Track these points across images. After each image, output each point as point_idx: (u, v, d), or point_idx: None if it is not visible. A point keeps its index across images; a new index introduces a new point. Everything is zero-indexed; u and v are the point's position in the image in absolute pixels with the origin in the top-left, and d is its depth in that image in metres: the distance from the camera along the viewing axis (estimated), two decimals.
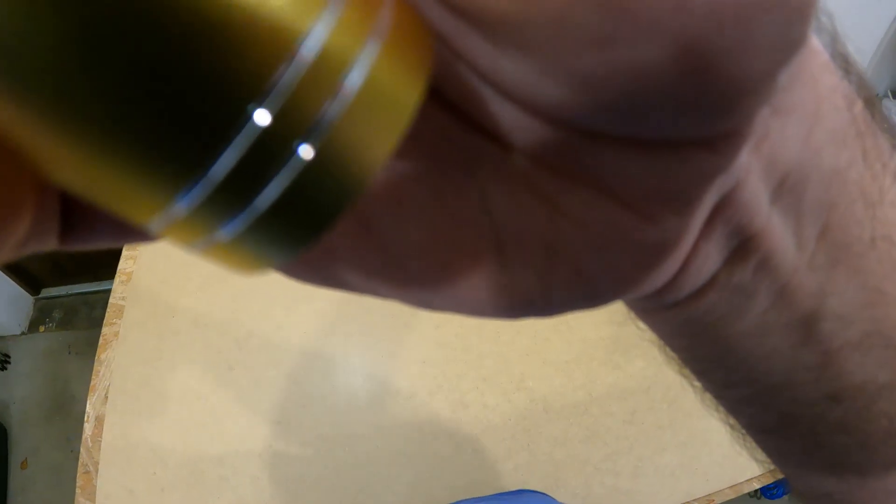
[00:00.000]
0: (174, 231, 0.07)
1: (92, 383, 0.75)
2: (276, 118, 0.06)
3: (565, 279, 0.10)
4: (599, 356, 0.72)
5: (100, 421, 0.72)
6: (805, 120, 0.10)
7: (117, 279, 0.83)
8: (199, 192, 0.06)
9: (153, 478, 0.67)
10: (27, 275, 1.89)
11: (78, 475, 0.70)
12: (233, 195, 0.06)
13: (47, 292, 1.94)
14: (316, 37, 0.06)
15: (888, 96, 1.45)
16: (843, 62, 0.11)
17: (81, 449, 0.71)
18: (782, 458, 0.16)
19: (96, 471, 0.69)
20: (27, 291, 1.90)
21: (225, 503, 0.64)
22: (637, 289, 0.11)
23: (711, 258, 0.11)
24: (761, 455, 0.17)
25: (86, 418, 0.73)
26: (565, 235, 0.10)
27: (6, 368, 1.79)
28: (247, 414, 0.69)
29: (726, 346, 0.13)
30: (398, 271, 0.10)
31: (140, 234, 0.10)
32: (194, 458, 0.67)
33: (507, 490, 0.65)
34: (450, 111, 0.10)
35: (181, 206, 0.07)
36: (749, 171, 0.10)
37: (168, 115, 0.06)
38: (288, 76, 0.06)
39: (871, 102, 0.12)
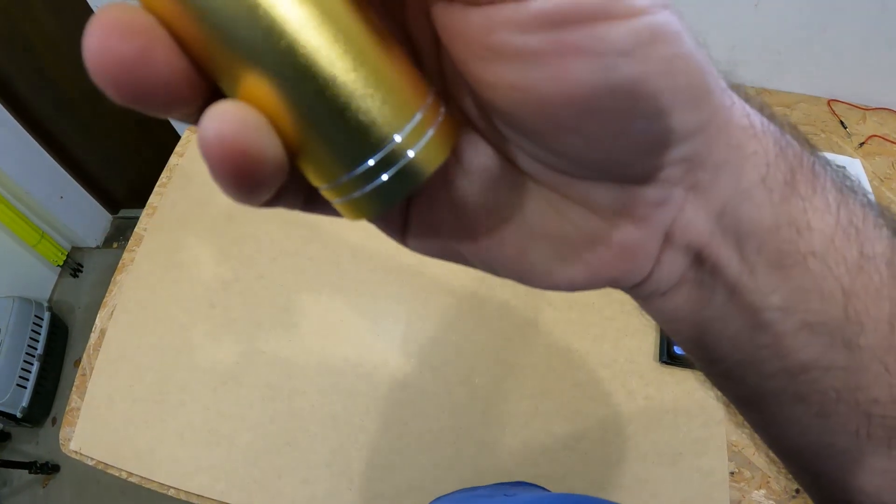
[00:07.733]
0: (328, 192, 0.14)
1: (104, 300, 0.85)
2: (400, 144, 0.13)
3: (572, 262, 0.16)
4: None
5: (103, 333, 0.81)
6: (733, 172, 0.15)
7: (145, 212, 0.92)
8: (349, 178, 0.14)
9: (129, 389, 0.75)
10: (108, 195, 2.08)
11: (76, 376, 0.80)
12: (364, 179, 0.14)
13: (125, 213, 2.13)
14: (421, 111, 0.14)
15: None
16: (783, 126, 0.16)
17: (84, 355, 0.81)
18: (759, 428, 0.19)
19: (90, 375, 0.78)
20: (107, 210, 2.11)
21: (177, 424, 0.71)
22: (616, 278, 0.16)
23: (678, 262, 0.16)
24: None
25: (93, 329, 0.82)
26: (569, 235, 0.16)
27: (77, 276, 2.01)
28: (214, 350, 0.76)
29: (702, 328, 0.17)
30: (481, 248, 0.18)
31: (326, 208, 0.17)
32: (164, 379, 0.75)
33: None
34: (498, 156, 0.16)
35: (340, 181, 0.14)
36: (686, 203, 0.15)
37: (345, 141, 0.13)
38: (403, 133, 0.13)
39: (802, 155, 0.16)
